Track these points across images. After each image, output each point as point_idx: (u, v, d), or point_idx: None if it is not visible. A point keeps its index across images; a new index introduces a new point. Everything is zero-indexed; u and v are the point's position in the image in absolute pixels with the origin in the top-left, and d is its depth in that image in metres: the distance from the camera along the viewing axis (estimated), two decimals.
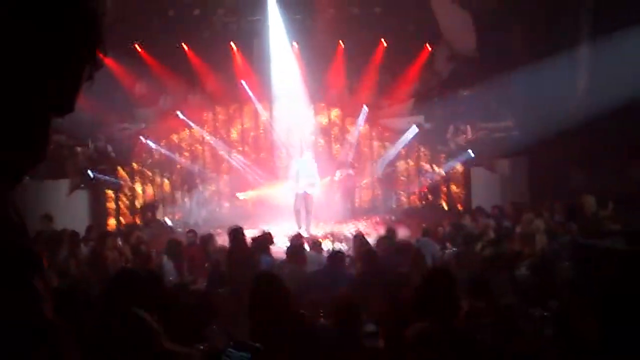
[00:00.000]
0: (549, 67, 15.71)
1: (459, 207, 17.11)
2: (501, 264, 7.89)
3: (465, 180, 17.22)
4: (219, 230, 14.35)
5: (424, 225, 12.94)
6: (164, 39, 18.11)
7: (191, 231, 11.90)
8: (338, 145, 18.70)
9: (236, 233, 9.25)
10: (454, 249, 10.16)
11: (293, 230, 13.10)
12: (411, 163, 18.40)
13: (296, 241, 9.83)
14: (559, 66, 15.81)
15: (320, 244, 10.95)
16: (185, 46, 18.52)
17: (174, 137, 18.76)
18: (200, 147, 18.93)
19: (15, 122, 1.28)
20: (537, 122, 15.32)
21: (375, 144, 18.85)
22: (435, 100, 19.09)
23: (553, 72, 15.77)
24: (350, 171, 17.14)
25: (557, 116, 15.10)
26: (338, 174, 17.08)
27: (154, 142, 17.54)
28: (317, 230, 15.23)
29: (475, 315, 5.32)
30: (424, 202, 17.64)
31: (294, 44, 18.29)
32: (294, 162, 15.51)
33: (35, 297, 1.25)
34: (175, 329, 4.79)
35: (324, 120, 18.95)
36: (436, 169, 17.62)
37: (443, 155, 17.74)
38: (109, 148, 17.12)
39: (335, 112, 19.09)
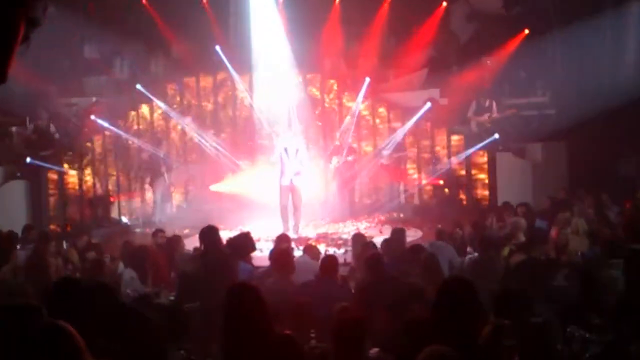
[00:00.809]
0: (592, 29, 15.74)
1: (482, 203, 17.14)
2: (533, 273, 7.92)
3: (490, 170, 17.24)
4: (187, 231, 14.38)
5: (439, 225, 12.97)
6: None
7: (158, 231, 11.87)
8: (337, 132, 18.64)
9: (209, 234, 9.24)
10: (476, 254, 10.19)
11: (278, 231, 13.11)
12: (423, 147, 18.38)
13: (282, 244, 9.84)
14: (604, 29, 15.85)
15: (312, 247, 10.94)
16: (145, 1, 18.45)
17: (132, 115, 18.72)
18: (164, 127, 18.89)
19: None
20: (578, 98, 15.38)
21: (379, 124, 18.84)
22: (453, 70, 19.09)
23: (597, 37, 15.81)
24: (350, 157, 17.16)
25: (602, 90, 15.16)
26: (334, 161, 17.09)
27: (107, 121, 17.48)
28: (308, 231, 15.25)
29: (501, 335, 5.35)
30: (438, 197, 17.65)
31: None
32: (278, 145, 15.45)
33: None
34: (134, 352, 4.80)
35: (316, 94, 18.93)
36: (454, 156, 17.64)
37: (462, 138, 17.75)
38: (52, 128, 17.06)
39: (329, 85, 19.07)
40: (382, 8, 18.50)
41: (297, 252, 10.63)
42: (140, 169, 18.18)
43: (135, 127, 18.59)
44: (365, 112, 18.60)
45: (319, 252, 10.34)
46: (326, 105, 19.01)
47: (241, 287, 5.29)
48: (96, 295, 5.69)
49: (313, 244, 12.11)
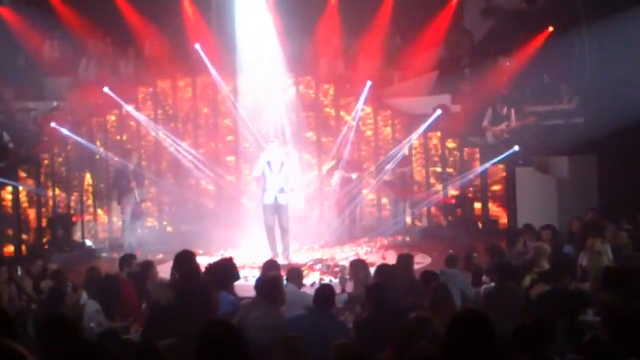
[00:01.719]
0: (626, 26, 15.75)
1: (500, 225, 17.13)
2: (559, 307, 7.90)
3: (508, 187, 17.25)
4: (161, 257, 14.33)
5: (450, 250, 12.94)
6: None
7: (129, 257, 11.75)
8: (331, 139, 18.62)
9: (185, 260, 9.22)
10: (493, 284, 10.17)
11: (266, 257, 13.08)
12: (432, 162, 18.39)
13: (270, 272, 9.81)
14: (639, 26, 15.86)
15: (302, 275, 10.88)
16: None
17: (99, 122, 18.69)
18: (135, 137, 18.87)
19: None
20: (610, 105, 15.40)
21: (383, 134, 18.85)
22: (466, 73, 19.14)
23: (631, 34, 15.81)
24: (354, 175, 17.15)
25: (637, 96, 15.15)
26: (337, 176, 17.10)
27: (70, 129, 17.44)
28: (301, 257, 15.22)
29: None
30: (450, 218, 17.64)
31: None
32: (263, 156, 15.36)
33: None
34: None
35: (310, 100, 18.94)
36: (468, 171, 17.65)
37: (477, 151, 17.77)
38: (6, 137, 17.02)
39: (326, 89, 19.08)
40: (386, 2, 18.54)
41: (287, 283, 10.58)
42: (105, 184, 18.14)
43: (102, 136, 18.53)
44: (366, 119, 18.59)
45: (300, 277, 10.28)
46: (322, 112, 19.00)
47: (216, 325, 5.23)
48: (54, 330, 5.66)
49: (304, 270, 12.09)
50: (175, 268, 9.38)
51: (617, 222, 13.42)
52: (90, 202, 18.35)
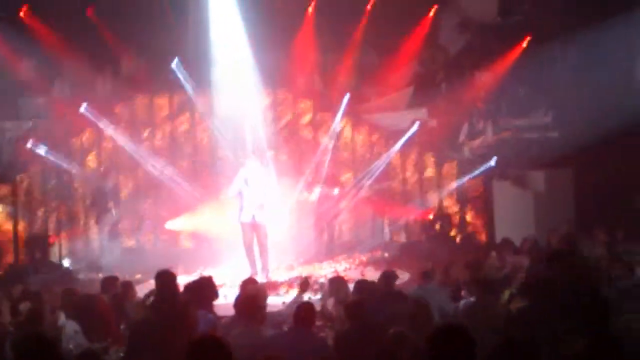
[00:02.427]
0: (602, 39, 15.85)
1: (478, 239, 17.17)
2: (539, 320, 7.90)
3: (486, 201, 17.31)
4: (139, 277, 14.27)
5: (429, 265, 12.95)
6: (62, 1, 18.05)
7: (110, 279, 11.65)
8: (308, 153, 18.60)
9: (164, 279, 9.16)
10: (472, 298, 10.19)
11: (246, 275, 13.06)
12: (410, 176, 18.43)
13: (249, 290, 9.79)
14: (615, 39, 15.95)
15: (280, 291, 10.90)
16: (90, 11, 18.43)
17: (75, 141, 18.62)
18: (112, 156, 18.80)
19: None
20: (586, 118, 15.46)
21: (360, 149, 18.87)
22: (443, 88, 19.19)
23: (607, 47, 15.91)
24: (335, 191, 17.15)
25: (613, 109, 15.23)
26: (317, 191, 17.07)
27: (45, 149, 17.35)
28: (280, 274, 15.17)
29: None
30: (428, 233, 17.67)
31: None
32: (241, 172, 15.28)
33: None
34: None
35: (286, 115, 18.94)
36: (445, 186, 17.69)
37: (454, 165, 17.81)
38: None
39: (302, 105, 19.10)
40: (363, 16, 18.57)
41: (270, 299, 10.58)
42: (82, 204, 18.06)
43: (79, 155, 18.46)
44: (343, 135, 18.62)
45: (263, 295, 10.23)
46: (298, 128, 19.00)
47: (203, 340, 5.21)
48: (34, 349, 5.64)
49: (284, 287, 12.07)
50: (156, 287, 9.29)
51: (592, 235, 13.49)
52: (66, 221, 18.23)
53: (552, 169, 16.92)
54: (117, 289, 11.11)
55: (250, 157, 15.53)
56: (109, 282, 11.40)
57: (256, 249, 14.82)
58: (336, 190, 17.20)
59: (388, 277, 10.87)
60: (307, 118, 19.07)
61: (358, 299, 9.04)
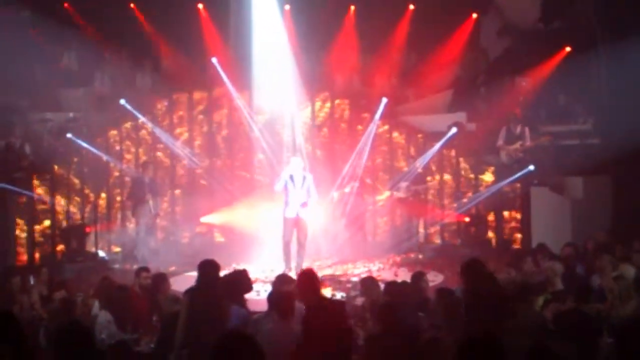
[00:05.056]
0: None
1: (513, 244, 17.04)
2: (574, 327, 7.79)
3: (523, 207, 17.18)
4: (173, 269, 14.28)
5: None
6: None
7: (142, 270, 11.65)
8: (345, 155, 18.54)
9: (207, 269, 9.04)
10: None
11: (278, 272, 13.02)
12: (447, 179, 18.34)
13: (282, 286, 9.74)
14: None
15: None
16: (133, 6, 18.51)
17: (114, 134, 18.71)
18: (150, 149, 18.87)
19: None
20: (626, 125, 15.30)
21: (397, 151, 18.80)
22: (482, 92, 19.09)
23: None
24: (347, 189, 17.12)
25: None
26: (336, 194, 17.09)
27: (85, 140, 17.46)
28: None
29: None
30: (463, 236, 17.59)
31: (286, 6, 18.28)
32: (284, 172, 15.37)
33: None
34: None
35: (325, 115, 18.92)
36: (482, 189, 17.59)
37: (491, 170, 17.70)
38: (27, 149, 16.99)
39: (341, 105, 19.06)
40: (403, 20, 18.54)
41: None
42: (119, 196, 18.12)
43: (117, 147, 18.55)
44: (381, 136, 18.54)
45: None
46: (337, 128, 18.96)
47: (234, 335, 5.13)
48: (69, 337, 5.63)
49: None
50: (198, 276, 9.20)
51: (629, 244, 13.32)
52: (103, 213, 18.31)
53: (590, 175, 16.75)
54: (147, 279, 11.12)
55: (295, 157, 15.62)
56: (140, 272, 11.40)
57: (293, 247, 14.83)
58: (347, 189, 17.13)
59: (417, 277, 10.83)
60: (345, 118, 19.01)
61: (389, 301, 8.95)
